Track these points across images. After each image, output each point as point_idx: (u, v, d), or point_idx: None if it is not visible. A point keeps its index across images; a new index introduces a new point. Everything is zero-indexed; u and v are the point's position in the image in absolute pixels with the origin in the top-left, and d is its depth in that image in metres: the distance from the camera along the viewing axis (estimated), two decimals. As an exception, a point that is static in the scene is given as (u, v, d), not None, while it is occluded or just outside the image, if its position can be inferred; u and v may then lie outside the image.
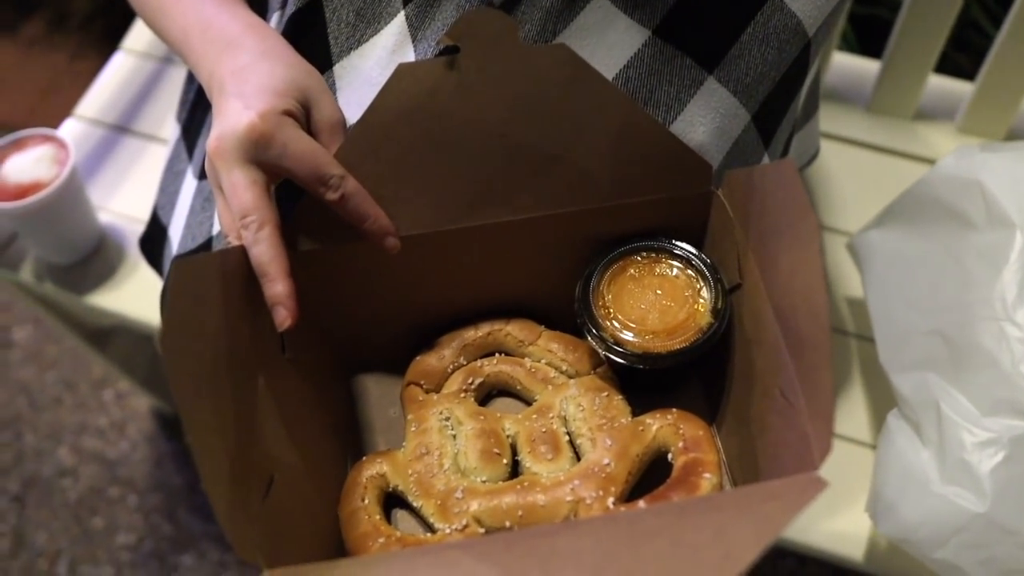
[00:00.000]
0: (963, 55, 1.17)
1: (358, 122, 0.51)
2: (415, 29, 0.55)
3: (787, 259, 0.44)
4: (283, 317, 0.48)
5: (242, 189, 0.48)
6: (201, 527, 1.26)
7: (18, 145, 0.84)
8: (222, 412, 0.43)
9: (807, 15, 0.57)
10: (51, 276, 0.90)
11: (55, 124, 0.97)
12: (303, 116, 0.51)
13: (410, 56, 0.55)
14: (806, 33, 0.57)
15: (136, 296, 0.89)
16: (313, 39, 0.56)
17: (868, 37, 1.15)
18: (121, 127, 1.00)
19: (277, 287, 0.48)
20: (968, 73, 0.94)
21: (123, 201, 0.95)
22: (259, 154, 0.48)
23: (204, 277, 0.45)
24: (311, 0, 0.56)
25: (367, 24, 0.56)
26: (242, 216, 0.48)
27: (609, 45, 0.55)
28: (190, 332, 0.42)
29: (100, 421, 1.36)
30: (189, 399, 0.40)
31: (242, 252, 0.48)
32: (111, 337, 1.14)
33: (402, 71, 0.50)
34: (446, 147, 0.52)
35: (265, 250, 0.47)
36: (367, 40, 0.56)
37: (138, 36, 1.08)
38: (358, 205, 0.51)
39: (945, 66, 0.97)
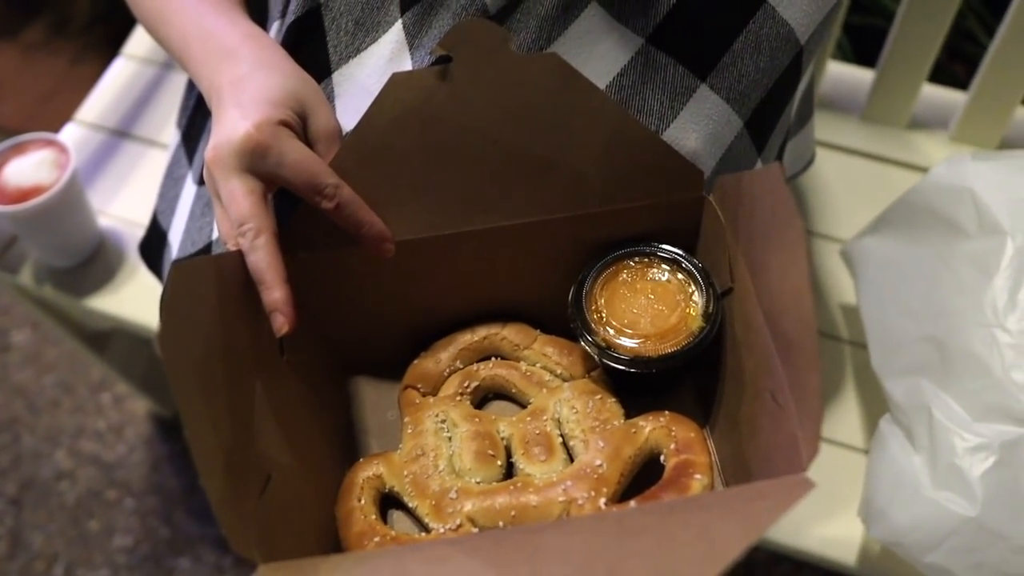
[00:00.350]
0: (958, 65, 1.18)
1: (353, 130, 0.52)
2: (412, 37, 0.56)
3: (776, 263, 0.45)
4: (281, 323, 0.48)
5: (239, 198, 0.48)
6: (198, 530, 1.26)
7: (19, 149, 0.84)
8: (218, 412, 0.43)
9: (799, 23, 0.57)
10: (50, 279, 0.91)
11: (56, 128, 0.97)
12: (299, 125, 0.51)
13: (407, 65, 0.55)
14: (798, 41, 0.58)
15: (135, 300, 0.89)
16: (313, 47, 0.57)
17: (863, 46, 1.16)
18: (121, 132, 1.01)
19: (274, 294, 0.48)
20: (964, 83, 0.95)
21: (123, 205, 0.95)
22: (255, 164, 0.49)
23: (202, 281, 0.45)
24: (311, 9, 0.57)
25: (366, 32, 0.57)
26: (239, 224, 0.48)
27: (603, 53, 0.55)
28: (188, 333, 0.43)
29: (98, 424, 1.36)
30: (188, 395, 0.41)
31: (240, 257, 0.48)
32: (109, 340, 1.14)
33: (396, 80, 0.51)
34: (440, 153, 0.53)
35: (262, 257, 0.48)
36: (365, 48, 0.56)
37: (139, 42, 1.08)
38: (353, 213, 0.51)
39: (940, 76, 0.97)
